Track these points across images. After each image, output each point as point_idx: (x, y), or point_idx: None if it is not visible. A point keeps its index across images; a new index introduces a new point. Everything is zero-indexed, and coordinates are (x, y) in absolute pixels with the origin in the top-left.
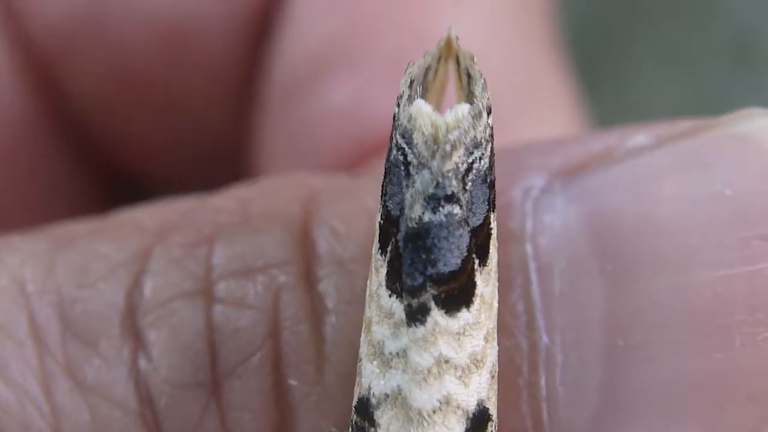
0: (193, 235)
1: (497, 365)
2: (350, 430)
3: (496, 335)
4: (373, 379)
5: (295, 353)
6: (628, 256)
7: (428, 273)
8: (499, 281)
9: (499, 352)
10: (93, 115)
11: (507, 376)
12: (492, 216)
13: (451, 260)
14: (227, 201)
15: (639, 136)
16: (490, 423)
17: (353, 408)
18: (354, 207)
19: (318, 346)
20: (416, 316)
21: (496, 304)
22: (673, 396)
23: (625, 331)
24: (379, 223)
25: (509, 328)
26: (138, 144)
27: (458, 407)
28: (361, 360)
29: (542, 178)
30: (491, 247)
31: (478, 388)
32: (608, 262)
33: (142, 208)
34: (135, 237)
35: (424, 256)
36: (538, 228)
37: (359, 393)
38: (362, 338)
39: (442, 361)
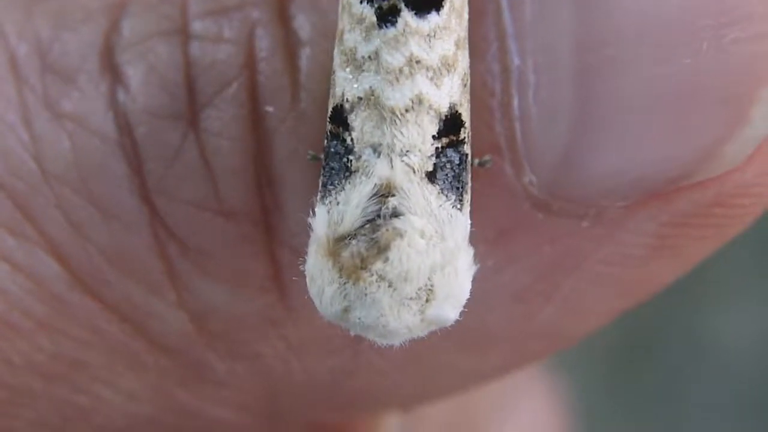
0: None
1: (468, 74)
2: (325, 141)
3: (467, 45)
4: (346, 86)
5: (271, 82)
6: None
7: None
8: (470, 8)
9: (470, 65)
10: None
11: (480, 98)
12: None
13: None
14: None
15: None
16: (462, 129)
17: (327, 119)
18: None
19: (293, 75)
20: (387, 17)
21: (466, 15)
22: (644, 104)
23: (595, 48)
24: None
25: (482, 53)
26: None
27: (431, 107)
28: (334, 72)
29: None
30: None
31: (450, 91)
32: None
33: None
34: None
35: None
36: None
37: (333, 103)
38: (335, 51)
39: (414, 61)
